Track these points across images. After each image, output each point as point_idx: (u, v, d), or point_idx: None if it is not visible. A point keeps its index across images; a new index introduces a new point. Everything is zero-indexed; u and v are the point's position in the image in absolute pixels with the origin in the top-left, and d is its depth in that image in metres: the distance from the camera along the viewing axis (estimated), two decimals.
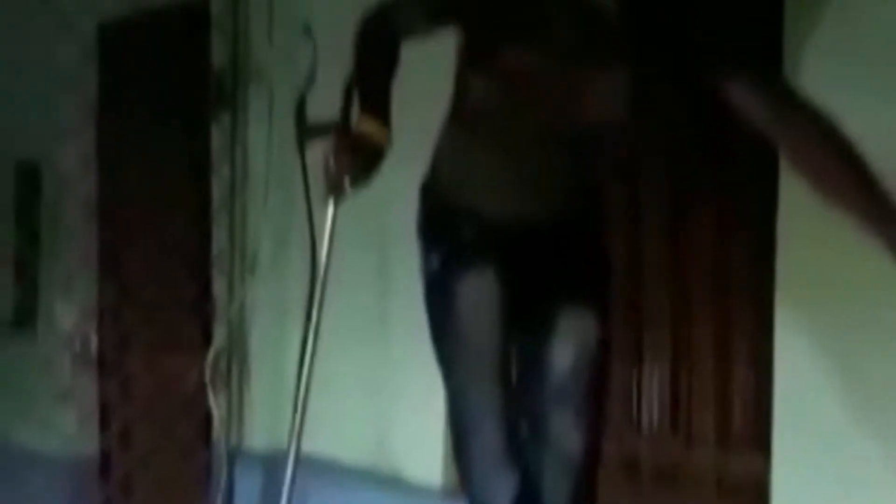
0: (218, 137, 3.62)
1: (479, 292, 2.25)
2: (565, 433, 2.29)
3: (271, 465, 3.45)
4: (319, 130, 2.32)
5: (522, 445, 2.32)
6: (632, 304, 2.88)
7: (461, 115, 2.26)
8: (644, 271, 2.88)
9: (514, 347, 2.42)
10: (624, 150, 2.73)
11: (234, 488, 3.52)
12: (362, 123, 2.18)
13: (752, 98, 1.97)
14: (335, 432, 3.36)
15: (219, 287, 3.61)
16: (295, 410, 2.48)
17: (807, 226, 2.28)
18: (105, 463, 3.44)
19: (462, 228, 2.27)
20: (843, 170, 1.93)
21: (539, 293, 2.33)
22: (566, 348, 2.30)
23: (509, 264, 2.25)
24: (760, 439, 2.52)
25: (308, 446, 3.42)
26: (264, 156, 3.49)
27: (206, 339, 3.57)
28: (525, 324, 2.38)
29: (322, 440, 3.39)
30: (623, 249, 2.89)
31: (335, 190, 2.25)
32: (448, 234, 2.30)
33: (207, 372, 3.37)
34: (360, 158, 2.19)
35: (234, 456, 3.53)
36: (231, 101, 3.48)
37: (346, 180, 2.21)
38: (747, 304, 2.64)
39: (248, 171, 3.62)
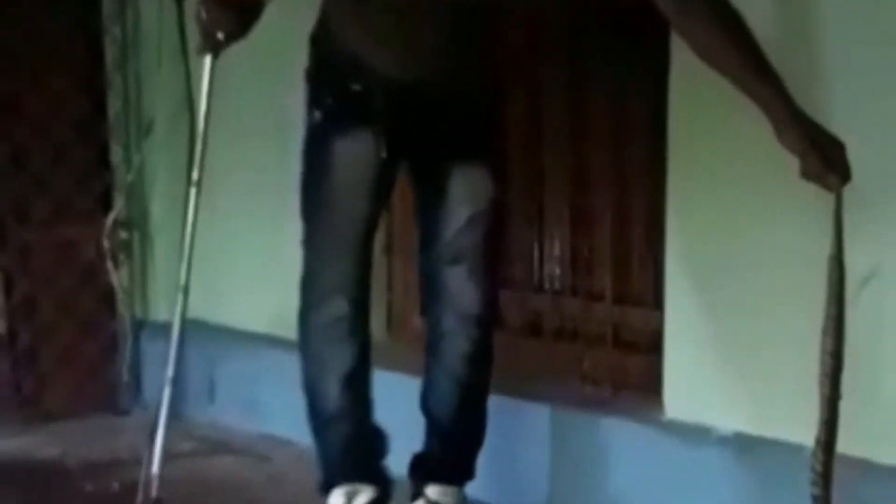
0: None
1: (356, 156, 2.34)
2: (460, 290, 2.45)
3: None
4: None
5: (365, 320, 2.46)
6: (533, 169, 3.00)
7: None
8: (544, 137, 2.99)
9: (413, 207, 2.54)
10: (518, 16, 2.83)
11: (140, 359, 3.61)
12: None
13: None
14: (239, 302, 3.46)
15: (116, 154, 3.62)
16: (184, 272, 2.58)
17: (698, 90, 2.38)
18: (11, 336, 3.48)
19: (349, 78, 2.32)
20: (723, 33, 2.01)
21: (430, 154, 2.43)
22: (459, 209, 2.43)
23: (396, 123, 2.33)
24: (654, 296, 2.68)
25: (213, 316, 3.55)
26: (157, 14, 3.47)
27: (106, 208, 3.58)
28: (418, 182, 2.49)
29: (226, 310, 3.51)
30: (523, 117, 3.00)
31: (209, 43, 2.30)
32: (335, 84, 2.36)
33: (105, 242, 3.40)
34: (232, 10, 2.24)
35: (138, 327, 3.61)
36: None
37: (220, 34, 2.25)
38: (643, 168, 2.77)
39: (141, 33, 3.60)
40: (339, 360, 2.43)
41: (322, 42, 2.39)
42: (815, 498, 1.94)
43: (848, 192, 2.02)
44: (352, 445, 2.47)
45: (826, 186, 2.00)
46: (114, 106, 3.61)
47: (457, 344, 2.48)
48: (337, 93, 2.36)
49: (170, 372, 2.51)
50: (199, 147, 2.41)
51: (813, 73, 2.26)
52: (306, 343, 2.47)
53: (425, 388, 2.57)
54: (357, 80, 2.32)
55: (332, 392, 2.44)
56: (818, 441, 1.95)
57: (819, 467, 1.94)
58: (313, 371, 2.47)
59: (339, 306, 2.41)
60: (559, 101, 2.96)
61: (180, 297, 2.56)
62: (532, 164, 3.00)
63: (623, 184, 2.85)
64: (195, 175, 2.43)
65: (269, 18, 2.92)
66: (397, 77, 2.30)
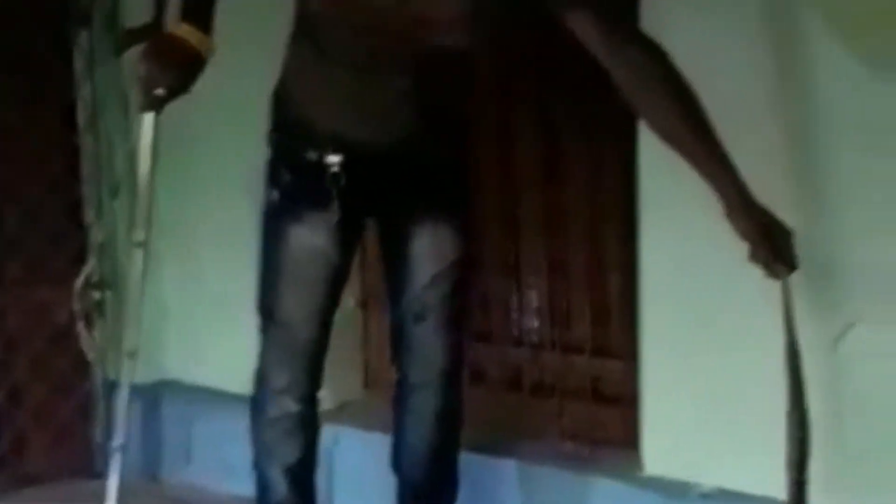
0: (79, 57, 3.56)
1: (311, 251, 2.33)
2: (427, 346, 2.44)
3: (152, 396, 3.51)
4: (138, 35, 2.25)
5: (314, 414, 2.46)
6: (509, 221, 2.98)
7: (303, 30, 2.27)
8: (519, 187, 2.96)
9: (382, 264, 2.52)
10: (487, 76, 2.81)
11: (111, 423, 3.55)
12: (177, 28, 2.20)
13: (588, 27, 2.03)
14: (217, 361, 3.42)
15: (88, 215, 3.59)
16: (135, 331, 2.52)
17: None
18: None
19: (306, 144, 2.29)
20: (677, 112, 2.02)
21: (393, 216, 2.41)
22: (423, 267, 2.40)
23: (357, 190, 2.29)
24: (634, 348, 2.64)
25: (190, 376, 3.51)
26: (126, 74, 3.45)
27: (79, 269, 3.55)
28: (384, 241, 2.47)
29: (204, 370, 3.47)
30: (498, 164, 2.98)
31: (148, 101, 2.24)
32: (292, 154, 2.32)
33: (77, 303, 3.37)
34: (173, 65, 2.19)
35: (111, 389, 3.55)
36: (87, 20, 3.42)
37: (160, 90, 2.20)
38: (619, 216, 2.74)
39: (110, 93, 3.57)
40: (285, 454, 2.47)
41: (281, 101, 2.36)
42: None
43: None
44: None
45: (772, 275, 2.01)
46: (86, 167, 3.59)
47: (425, 400, 2.45)
48: (294, 165, 2.33)
49: (116, 441, 2.48)
50: (142, 206, 2.36)
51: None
52: (256, 433, 2.51)
53: (395, 446, 2.53)
54: (314, 145, 2.28)
55: (277, 482, 2.47)
56: None
57: None
58: (261, 460, 2.50)
59: (287, 404, 2.44)
60: (533, 150, 2.95)
61: (126, 362, 2.52)
62: (507, 214, 2.98)
63: (598, 233, 2.83)
64: (140, 236, 2.37)
65: (242, 72, 2.95)
66: (355, 141, 2.27)
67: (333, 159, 2.25)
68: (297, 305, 2.38)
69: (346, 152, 2.26)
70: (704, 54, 2.23)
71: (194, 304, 3.51)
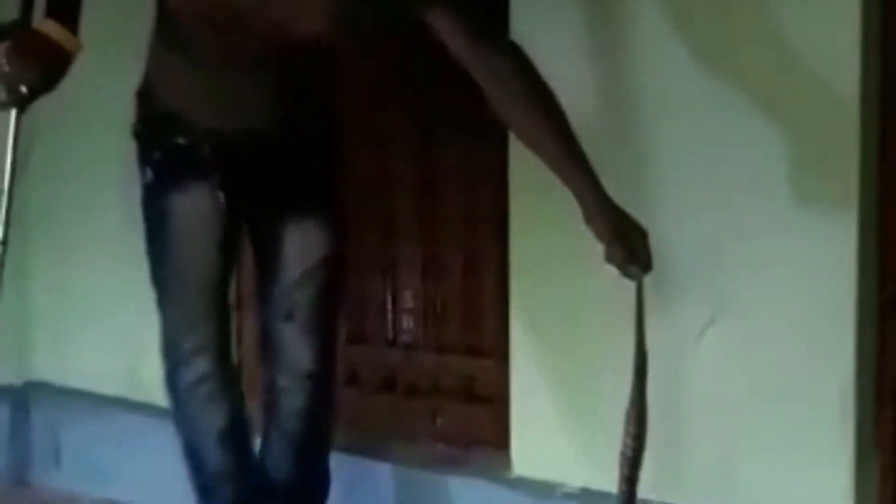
0: None
1: (194, 210, 2.30)
2: (294, 347, 2.42)
3: (21, 397, 3.43)
4: (4, 32, 2.22)
5: (232, 377, 2.39)
6: (384, 222, 2.96)
7: (164, 28, 2.27)
8: (395, 188, 2.95)
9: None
10: (368, 69, 2.81)
11: None
12: (43, 25, 2.17)
13: (451, 31, 2.02)
14: (87, 363, 3.35)
15: None
16: None
17: None
18: None
19: (174, 133, 2.28)
20: (540, 124, 2.04)
21: (263, 210, 2.39)
22: (292, 264, 2.38)
23: (228, 180, 2.29)
24: (503, 348, 2.66)
25: (60, 378, 3.44)
26: None
27: None
28: (253, 237, 2.45)
29: (73, 372, 3.40)
30: (373, 167, 2.96)
31: (12, 97, 2.20)
32: (162, 141, 2.31)
33: None
34: (38, 63, 2.16)
35: None
36: None
37: (24, 87, 2.16)
38: (493, 216, 2.73)
39: None
40: (212, 420, 2.39)
41: (145, 98, 2.35)
42: None
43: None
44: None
45: (627, 275, 2.04)
46: None
47: (291, 401, 2.42)
48: (163, 148, 2.31)
49: None
50: (3, 204, 2.31)
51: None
52: (178, 406, 2.42)
53: (261, 448, 2.49)
54: (181, 134, 2.28)
55: (211, 453, 2.39)
56: None
57: None
58: (189, 434, 2.42)
59: (202, 366, 2.37)
60: (408, 152, 2.94)
61: None
62: (382, 216, 2.96)
63: (472, 233, 2.83)
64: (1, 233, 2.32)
65: (111, 70, 2.89)
66: (220, 129, 2.26)
67: (203, 146, 2.25)
68: (194, 268, 2.34)
69: (214, 141, 2.26)
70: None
71: (64, 305, 3.43)
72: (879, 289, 2.17)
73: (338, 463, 2.53)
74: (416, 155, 2.92)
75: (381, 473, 2.70)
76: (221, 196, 2.28)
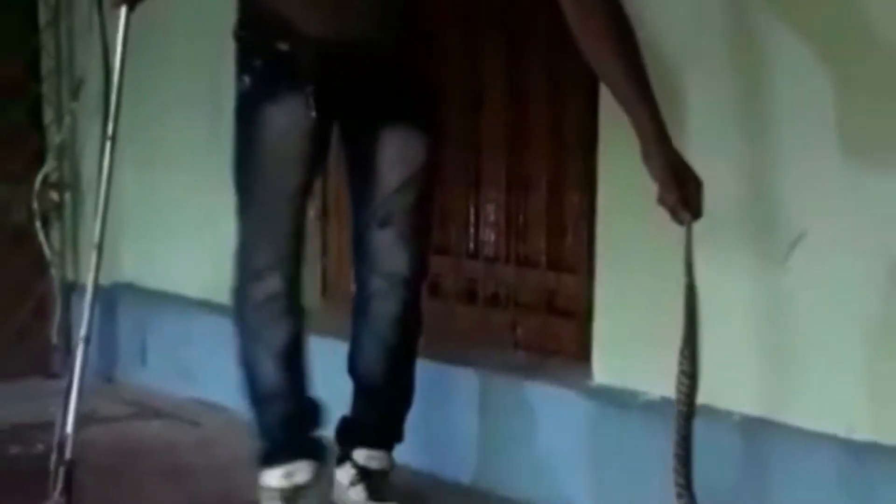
0: None
1: (286, 125, 2.34)
2: (389, 253, 2.47)
3: (108, 298, 3.53)
4: None
5: (298, 296, 2.46)
6: (470, 133, 3.00)
7: None
8: (481, 103, 2.98)
9: (345, 169, 2.54)
10: None
11: (71, 322, 3.58)
12: None
13: None
14: (172, 266, 3.45)
15: (48, 115, 3.58)
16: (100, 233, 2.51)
17: None
18: None
19: (276, 39, 2.32)
20: (613, 53, 2.05)
21: (362, 120, 2.43)
22: (390, 171, 2.43)
23: (326, 84, 2.32)
24: (588, 264, 2.70)
25: (146, 280, 3.54)
26: None
27: (38, 170, 3.55)
28: (351, 145, 2.49)
29: (159, 274, 3.50)
30: (461, 81, 2.99)
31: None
32: (262, 45, 2.35)
33: (35, 203, 3.37)
34: None
35: (69, 289, 3.58)
36: None
37: None
38: (580, 133, 2.76)
39: None
40: (274, 337, 2.44)
41: (249, 2, 2.39)
42: None
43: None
44: (289, 423, 2.47)
45: (677, 220, 2.06)
46: (46, 66, 3.57)
47: (384, 306, 2.49)
48: (265, 54, 2.35)
49: (83, 331, 2.46)
50: (113, 101, 2.38)
51: None
52: (241, 320, 2.48)
53: (352, 351, 2.57)
54: (284, 40, 2.31)
55: (268, 369, 2.45)
56: (676, 455, 2.01)
57: (681, 480, 1.99)
58: (248, 348, 2.47)
59: (273, 284, 2.42)
60: (497, 67, 2.96)
61: (94, 255, 2.51)
62: (469, 129, 3.00)
63: (559, 149, 2.86)
64: (110, 129, 2.39)
65: None
66: (325, 37, 2.30)
67: (306, 53, 2.28)
68: (279, 180, 2.37)
69: (317, 49, 2.29)
70: None
71: (151, 209, 3.53)
72: None
73: (420, 369, 2.61)
74: (505, 69, 2.95)
75: (463, 379, 2.76)
76: (314, 112, 2.31)
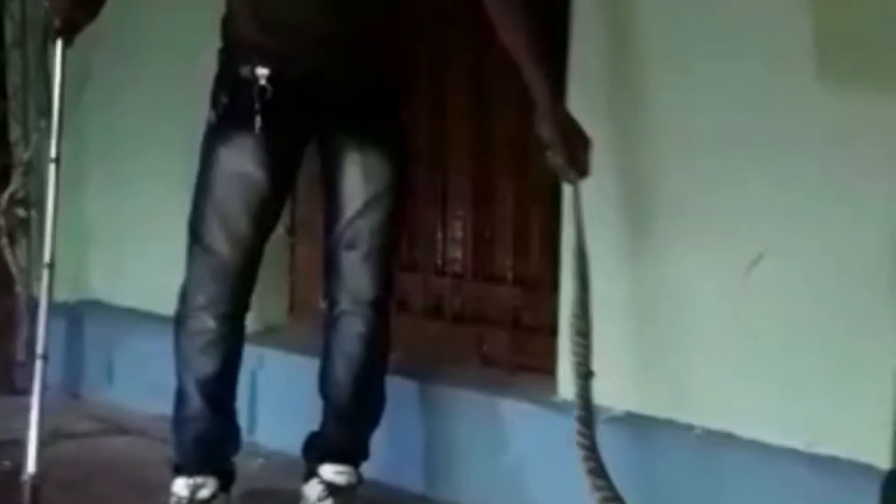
0: None
1: (238, 173, 2.41)
2: (355, 274, 2.52)
3: (75, 315, 3.55)
4: None
5: (236, 330, 2.55)
6: (437, 152, 3.05)
7: None
8: (448, 119, 3.03)
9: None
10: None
11: (36, 339, 3.57)
12: None
13: None
14: (140, 283, 3.46)
15: (14, 132, 3.59)
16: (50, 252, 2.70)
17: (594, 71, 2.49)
18: None
19: (245, 63, 2.38)
20: (521, 28, 2.25)
21: (329, 137, 2.48)
22: (355, 193, 2.48)
23: (291, 118, 2.38)
24: (552, 279, 2.74)
25: (113, 297, 3.55)
26: None
27: (4, 187, 3.56)
28: (322, 167, 2.53)
29: (127, 291, 3.51)
30: (428, 99, 3.04)
31: (55, 28, 2.44)
32: (232, 74, 2.41)
33: (1, 219, 3.38)
34: None
35: (35, 306, 3.57)
36: None
37: (57, 20, 2.41)
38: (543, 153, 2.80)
39: (40, 10, 3.55)
40: (201, 368, 2.54)
41: (227, 20, 2.45)
42: (590, 471, 2.07)
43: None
44: (202, 443, 2.57)
45: (565, 179, 2.20)
46: (13, 83, 3.58)
47: (352, 326, 2.54)
48: (230, 86, 2.41)
49: (40, 349, 2.61)
50: (55, 125, 2.55)
51: None
52: (176, 345, 2.58)
53: (322, 369, 2.62)
54: (246, 61, 2.36)
55: (192, 394, 2.55)
56: (579, 418, 2.10)
57: (585, 441, 2.09)
58: (179, 371, 2.59)
59: (207, 322, 2.51)
60: (463, 82, 3.01)
61: (45, 273, 2.68)
62: (435, 146, 3.04)
63: (524, 166, 2.89)
64: (53, 152, 2.57)
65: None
66: (289, 53, 2.35)
67: (262, 71, 2.34)
68: (220, 228, 2.45)
69: (277, 65, 2.34)
70: None
71: (119, 225, 3.54)
72: None
73: (389, 384, 2.65)
74: (469, 84, 3.00)
75: (430, 394, 2.80)
76: (267, 151, 2.37)
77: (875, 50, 2.19)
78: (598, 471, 2.06)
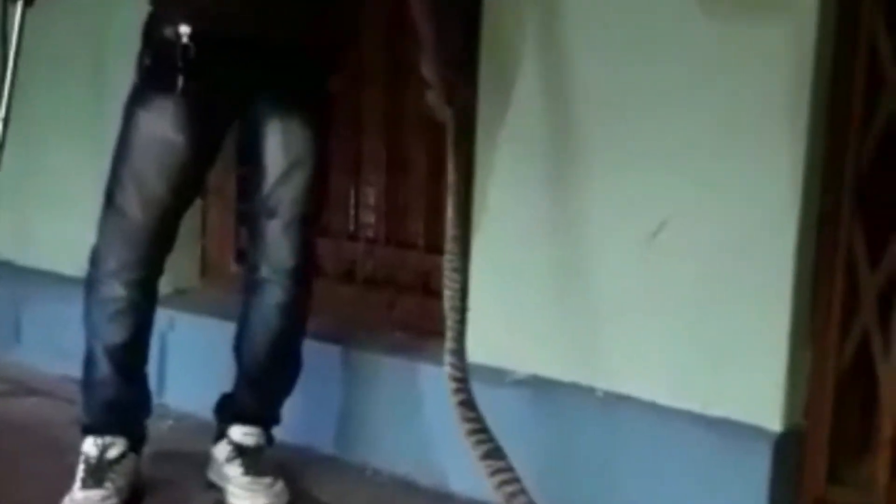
0: None
1: (157, 138, 2.40)
2: (276, 243, 2.54)
3: None
4: None
5: (148, 296, 2.55)
6: (351, 118, 3.06)
7: None
8: (362, 86, 3.05)
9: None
10: None
11: None
12: None
13: None
14: (48, 243, 3.45)
15: None
16: None
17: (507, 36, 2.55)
18: None
19: (169, 17, 2.36)
20: None
21: (251, 102, 2.48)
22: (276, 160, 2.49)
23: (212, 83, 2.37)
24: (463, 244, 2.80)
25: (21, 258, 3.53)
26: None
27: None
28: (242, 133, 2.55)
29: (35, 252, 3.50)
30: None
31: None
32: (157, 33, 2.39)
33: None
34: None
35: None
36: None
37: None
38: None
39: None
40: (108, 334, 2.54)
41: None
42: (460, 402, 2.17)
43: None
44: (111, 407, 2.58)
45: (440, 114, 2.41)
46: None
47: (271, 294, 2.56)
48: (154, 48, 2.40)
49: None
50: (7, 86, 2.51)
51: None
52: (86, 310, 2.58)
53: (238, 332, 2.64)
54: (171, 20, 2.35)
55: (100, 359, 2.56)
56: (452, 350, 2.22)
57: (456, 373, 2.20)
58: (88, 335, 2.58)
59: (116, 289, 2.50)
60: (378, 48, 3.03)
61: None
62: (350, 112, 3.06)
63: (437, 132, 2.93)
64: (2, 112, 2.52)
65: None
66: (223, 19, 2.35)
67: (184, 30, 2.33)
68: (135, 192, 2.44)
69: (203, 23, 2.34)
70: None
71: (30, 186, 3.51)
72: (821, 200, 2.34)
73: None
74: (384, 49, 3.02)
75: (340, 357, 2.85)
76: (187, 116, 2.37)
77: None
78: (468, 403, 2.15)
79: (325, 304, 2.94)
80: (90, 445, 2.54)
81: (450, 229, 2.24)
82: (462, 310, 2.21)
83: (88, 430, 2.57)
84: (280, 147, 2.49)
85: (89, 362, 2.58)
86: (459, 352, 2.19)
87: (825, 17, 2.24)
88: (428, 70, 2.39)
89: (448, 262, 2.22)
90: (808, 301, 2.34)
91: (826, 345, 2.35)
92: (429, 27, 2.38)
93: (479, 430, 2.11)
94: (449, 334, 2.21)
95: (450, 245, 2.24)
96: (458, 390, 2.15)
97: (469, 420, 2.12)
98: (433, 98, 2.41)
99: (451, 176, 2.30)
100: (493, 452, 2.08)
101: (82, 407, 2.60)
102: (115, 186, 2.46)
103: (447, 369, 2.17)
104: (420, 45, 2.40)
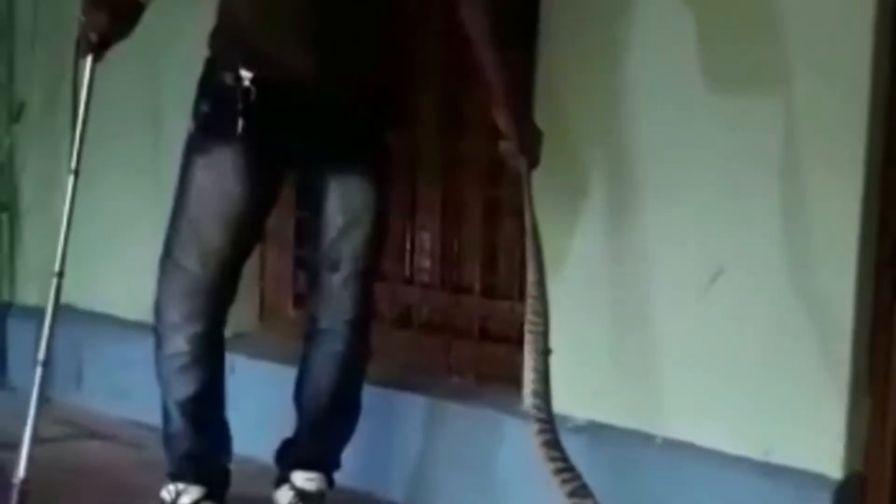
0: None
1: (215, 187, 2.41)
2: (336, 296, 2.58)
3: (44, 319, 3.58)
4: None
5: (213, 346, 2.57)
6: (407, 163, 3.10)
7: None
8: (418, 131, 3.09)
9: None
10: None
11: (6, 343, 3.64)
12: None
13: None
14: (110, 288, 3.52)
15: None
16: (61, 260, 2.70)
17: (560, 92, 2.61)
18: None
19: (229, 63, 2.38)
20: (487, 28, 2.36)
21: (308, 159, 2.51)
22: (334, 217, 2.53)
23: (272, 135, 2.38)
24: (519, 290, 2.83)
25: (83, 302, 3.60)
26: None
27: None
28: (301, 187, 2.59)
29: (97, 296, 3.56)
30: None
31: (84, 45, 2.40)
32: (216, 79, 2.41)
33: None
34: (109, 13, 2.34)
35: (5, 310, 3.62)
36: None
37: (94, 36, 2.36)
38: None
39: (15, 13, 3.62)
40: (177, 388, 2.57)
41: (215, 37, 2.46)
42: (544, 443, 2.16)
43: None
44: (187, 456, 2.62)
45: (515, 166, 2.40)
46: None
47: (331, 344, 2.60)
48: (213, 95, 2.41)
49: (41, 355, 2.60)
50: (77, 139, 2.55)
51: None
52: (156, 364, 2.61)
53: (299, 379, 2.68)
54: (232, 66, 2.36)
55: (173, 413, 2.60)
56: (535, 392, 2.20)
57: (540, 414, 2.18)
58: (162, 390, 2.62)
59: (179, 343, 2.53)
60: (435, 93, 3.08)
61: (54, 282, 2.68)
62: (406, 157, 3.08)
63: (492, 178, 2.97)
64: (73, 164, 2.57)
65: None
66: (284, 64, 2.36)
67: (246, 74, 2.35)
68: (193, 244, 2.45)
69: (264, 68, 2.35)
70: None
71: (92, 229, 3.56)
72: (878, 244, 2.36)
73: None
74: (440, 95, 3.07)
75: (400, 403, 2.89)
76: (246, 167, 2.38)
77: None
78: (552, 442, 2.15)
79: (381, 348, 2.99)
80: (165, 492, 2.59)
81: (531, 274, 2.26)
82: (545, 352, 2.23)
83: (169, 476, 2.61)
84: (339, 201, 2.51)
85: (164, 414, 2.62)
86: (543, 394, 2.19)
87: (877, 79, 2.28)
88: (501, 121, 2.39)
89: (530, 305, 2.23)
90: (867, 347, 2.36)
91: (886, 391, 2.36)
92: (501, 78, 2.37)
93: (565, 468, 2.12)
94: (532, 375, 2.21)
95: (531, 289, 2.25)
96: (541, 430, 2.15)
97: (553, 459, 2.13)
98: (507, 148, 2.40)
99: (528, 222, 2.31)
100: (580, 490, 2.10)
101: (165, 455, 2.64)
102: (174, 238, 2.48)
103: (532, 411, 2.18)
104: (492, 96, 2.39)
